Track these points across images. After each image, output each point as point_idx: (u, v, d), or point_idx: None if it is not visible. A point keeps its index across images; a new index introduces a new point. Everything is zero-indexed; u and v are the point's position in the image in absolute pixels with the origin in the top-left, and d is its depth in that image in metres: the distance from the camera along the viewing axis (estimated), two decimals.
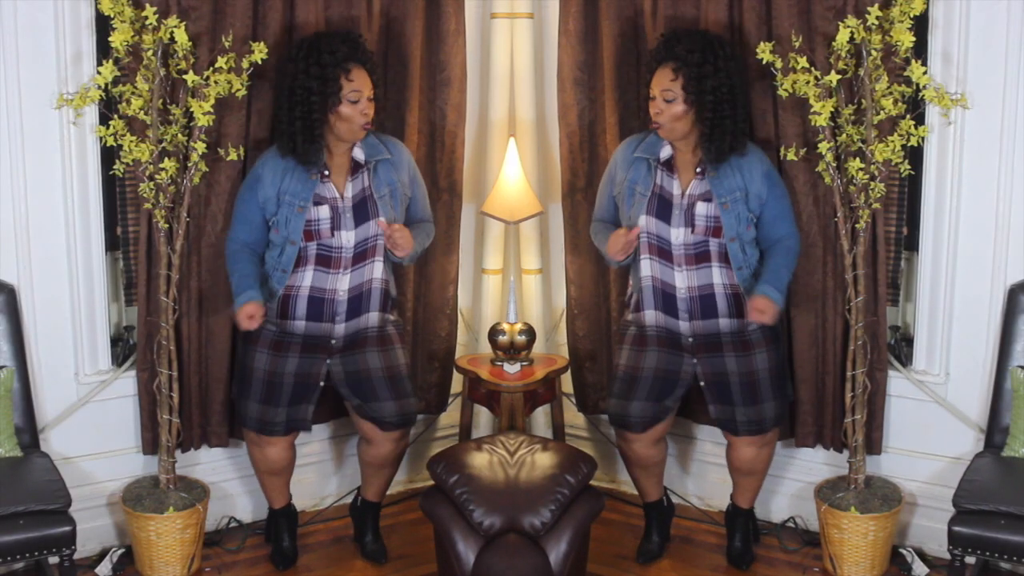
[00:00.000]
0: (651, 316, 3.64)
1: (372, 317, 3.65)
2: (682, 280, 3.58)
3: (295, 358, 3.62)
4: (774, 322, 3.55)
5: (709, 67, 3.47)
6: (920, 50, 3.60)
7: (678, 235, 3.57)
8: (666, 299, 3.60)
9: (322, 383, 3.66)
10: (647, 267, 3.61)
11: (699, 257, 3.57)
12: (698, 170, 3.58)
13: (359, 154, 3.61)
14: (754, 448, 3.73)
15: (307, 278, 3.58)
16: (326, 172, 3.58)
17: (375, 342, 3.66)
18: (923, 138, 3.61)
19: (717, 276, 3.58)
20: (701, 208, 3.56)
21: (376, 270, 3.63)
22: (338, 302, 3.59)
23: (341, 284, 3.59)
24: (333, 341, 3.62)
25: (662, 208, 3.58)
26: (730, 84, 3.48)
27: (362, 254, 3.61)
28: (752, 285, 3.57)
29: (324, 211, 3.57)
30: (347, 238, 3.58)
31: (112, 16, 3.47)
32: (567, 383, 4.31)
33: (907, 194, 3.81)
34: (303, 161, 3.54)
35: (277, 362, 3.62)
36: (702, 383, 3.65)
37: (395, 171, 3.66)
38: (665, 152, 3.61)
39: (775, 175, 3.62)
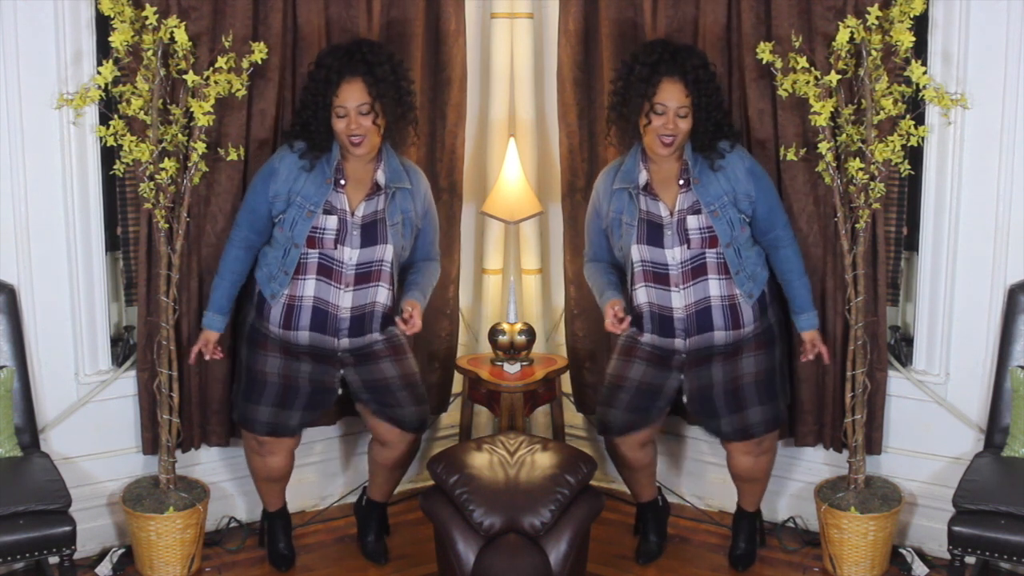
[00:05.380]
0: (647, 337, 3.62)
1: (376, 336, 3.62)
2: (679, 300, 3.54)
3: (308, 364, 3.62)
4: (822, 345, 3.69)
5: (714, 84, 3.51)
6: (920, 50, 3.60)
7: (674, 255, 3.54)
8: (663, 322, 3.57)
9: (340, 391, 3.66)
10: (643, 295, 3.58)
11: (696, 271, 3.54)
12: (681, 182, 3.55)
13: (381, 177, 3.58)
14: (750, 457, 3.72)
15: (310, 288, 3.55)
16: (342, 182, 3.56)
17: (387, 352, 3.64)
18: (923, 138, 3.61)
19: (714, 289, 3.54)
20: (692, 222, 3.53)
21: (380, 295, 3.58)
22: (340, 319, 3.55)
23: (344, 301, 3.54)
24: (340, 354, 3.60)
25: (652, 233, 3.55)
26: (720, 89, 3.58)
27: (366, 275, 3.56)
28: (752, 288, 3.56)
29: (332, 221, 3.52)
30: (350, 255, 3.54)
31: (112, 16, 3.47)
32: (567, 383, 4.31)
33: (907, 194, 3.81)
34: (310, 155, 3.53)
35: (291, 365, 3.61)
36: (685, 399, 3.64)
37: (412, 201, 3.62)
38: (642, 178, 3.57)
39: (757, 168, 3.60)
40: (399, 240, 3.59)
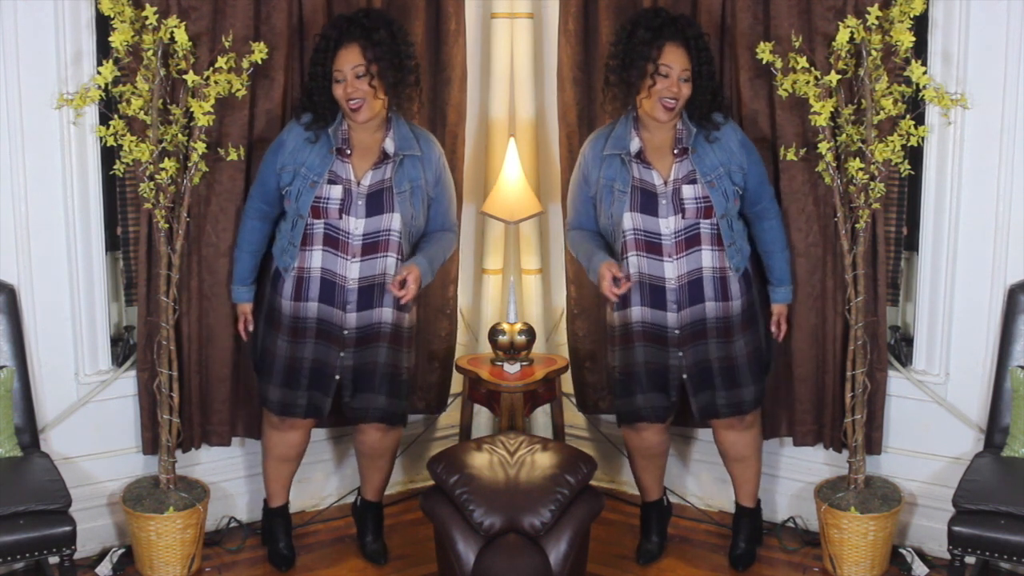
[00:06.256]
0: (637, 312, 3.61)
1: (385, 313, 3.60)
2: (672, 270, 3.55)
3: (311, 343, 3.61)
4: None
5: (710, 54, 3.53)
6: (920, 50, 3.60)
7: (668, 224, 3.54)
8: (654, 293, 3.57)
9: (337, 376, 3.64)
10: (634, 264, 3.57)
11: (689, 242, 3.55)
12: (676, 151, 3.56)
13: (389, 146, 3.58)
14: (734, 432, 3.74)
15: (317, 259, 3.56)
16: (348, 152, 3.56)
17: (388, 338, 3.64)
18: (923, 138, 3.61)
19: (707, 260, 3.55)
20: (688, 191, 3.53)
21: (389, 265, 3.57)
22: (348, 290, 3.56)
23: (351, 272, 3.55)
24: (346, 332, 3.58)
25: (646, 201, 3.55)
26: (714, 60, 3.60)
27: (373, 245, 3.56)
28: (740, 262, 3.58)
29: (336, 191, 3.53)
30: (356, 224, 3.54)
31: (112, 16, 3.47)
32: (567, 383, 4.31)
33: (907, 194, 3.81)
34: (316, 126, 3.54)
35: (296, 348, 3.62)
36: (685, 376, 3.64)
37: (421, 169, 3.61)
38: (635, 145, 3.57)
39: (748, 141, 3.62)
40: (408, 209, 3.57)
